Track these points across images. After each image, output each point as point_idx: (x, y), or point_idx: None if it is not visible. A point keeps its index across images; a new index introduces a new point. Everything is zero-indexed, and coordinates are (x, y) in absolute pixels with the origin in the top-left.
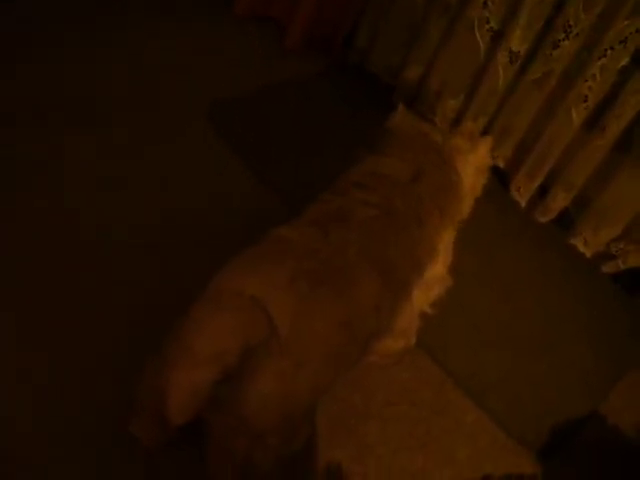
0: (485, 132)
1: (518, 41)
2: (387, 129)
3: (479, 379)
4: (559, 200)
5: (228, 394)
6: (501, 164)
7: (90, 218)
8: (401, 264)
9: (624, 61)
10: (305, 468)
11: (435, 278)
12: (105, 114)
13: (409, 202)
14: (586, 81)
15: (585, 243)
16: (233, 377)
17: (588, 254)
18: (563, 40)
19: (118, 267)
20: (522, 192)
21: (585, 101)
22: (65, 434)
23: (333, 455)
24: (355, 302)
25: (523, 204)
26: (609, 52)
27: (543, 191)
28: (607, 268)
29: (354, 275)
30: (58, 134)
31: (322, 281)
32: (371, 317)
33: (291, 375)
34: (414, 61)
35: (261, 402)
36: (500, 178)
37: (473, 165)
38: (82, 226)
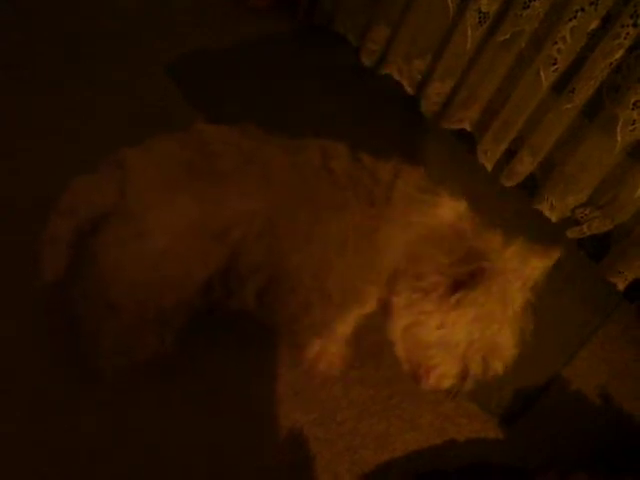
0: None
1: (488, 1)
2: None
3: None
4: (525, 164)
5: (86, 256)
6: (468, 127)
7: (32, 168)
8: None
9: (594, 24)
10: None
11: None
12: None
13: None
14: (555, 43)
15: (551, 208)
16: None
17: (554, 219)
18: (534, 0)
19: None
20: (489, 156)
21: (554, 64)
22: None
23: (295, 419)
24: (228, 210)
25: (489, 168)
26: (579, 14)
27: (511, 155)
28: (572, 234)
29: (240, 187)
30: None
31: (204, 179)
32: (243, 225)
33: (131, 243)
34: (381, 22)
35: (106, 267)
36: (467, 141)
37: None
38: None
